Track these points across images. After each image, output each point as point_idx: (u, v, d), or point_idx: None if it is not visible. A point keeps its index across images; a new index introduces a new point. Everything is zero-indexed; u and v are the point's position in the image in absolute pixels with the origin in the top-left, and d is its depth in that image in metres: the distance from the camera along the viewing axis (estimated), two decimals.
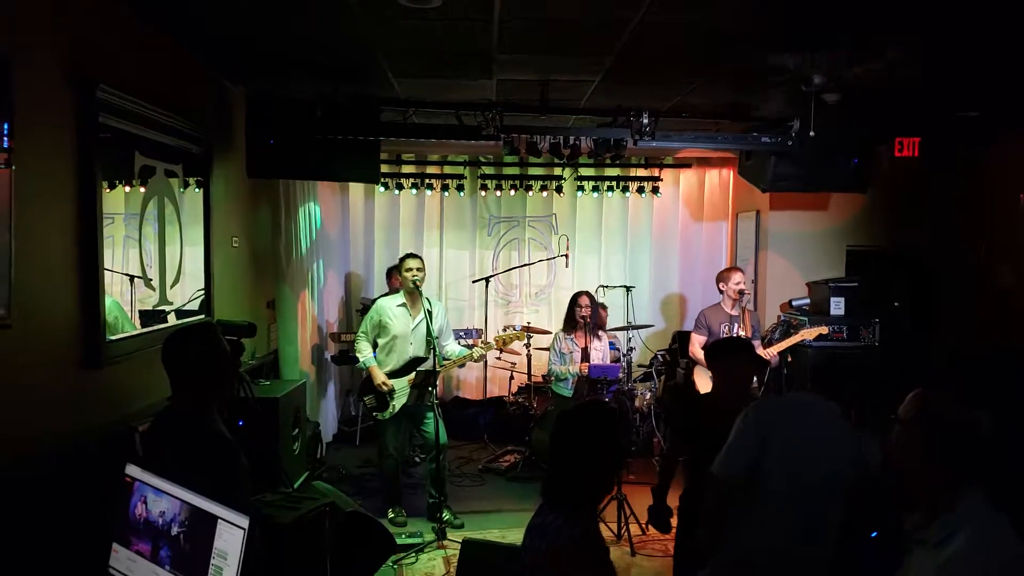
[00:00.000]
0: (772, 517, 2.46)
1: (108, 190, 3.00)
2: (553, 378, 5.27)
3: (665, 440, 4.73)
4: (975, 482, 1.63)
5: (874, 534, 4.23)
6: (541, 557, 1.95)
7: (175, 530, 1.76)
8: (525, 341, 6.15)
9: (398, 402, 4.73)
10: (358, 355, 4.84)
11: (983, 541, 1.57)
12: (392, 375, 4.75)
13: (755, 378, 5.15)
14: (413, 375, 4.74)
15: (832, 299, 5.78)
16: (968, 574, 1.55)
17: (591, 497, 2.05)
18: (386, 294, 5.77)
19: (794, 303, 6.08)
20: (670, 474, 3.38)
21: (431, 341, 4.67)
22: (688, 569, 3.07)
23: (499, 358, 6.81)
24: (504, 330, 5.13)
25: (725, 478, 2.54)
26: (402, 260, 4.89)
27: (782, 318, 6.00)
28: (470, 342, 5.48)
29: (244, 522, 1.62)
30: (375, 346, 4.90)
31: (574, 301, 5.34)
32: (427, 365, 4.71)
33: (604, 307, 6.73)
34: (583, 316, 5.22)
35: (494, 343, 5.08)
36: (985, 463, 1.63)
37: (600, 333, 5.43)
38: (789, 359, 5.55)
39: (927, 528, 1.64)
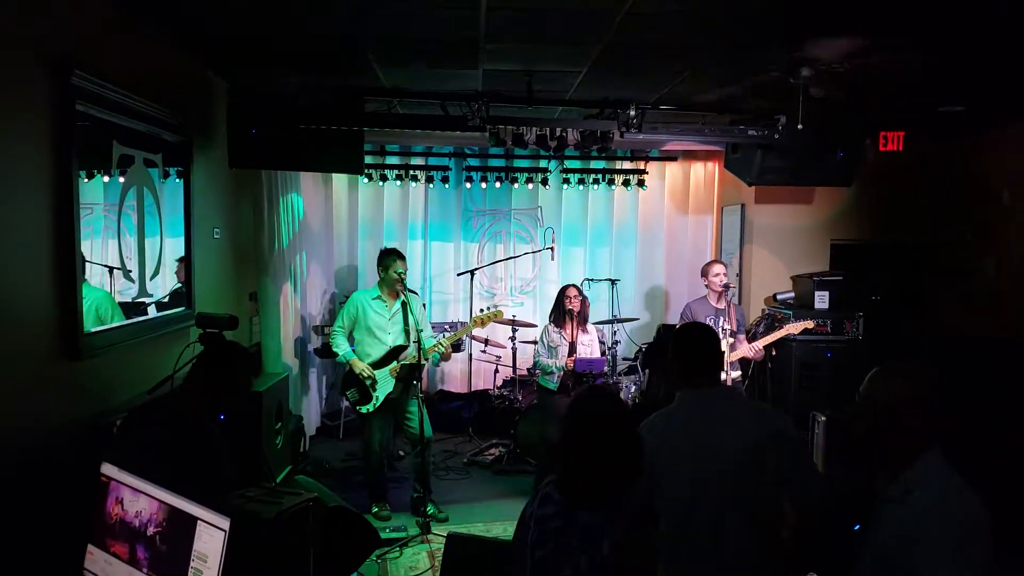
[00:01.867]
0: (685, 522, 2.32)
1: (86, 179, 2.93)
2: (539, 371, 5.25)
3: None
4: (930, 443, 1.78)
5: (857, 527, 4.27)
6: (596, 563, 1.77)
7: (153, 531, 1.72)
8: (508, 320, 6.13)
9: (381, 392, 4.70)
10: (336, 350, 4.80)
11: (942, 498, 1.71)
12: (373, 366, 4.71)
13: (740, 374, 5.19)
14: (395, 365, 4.70)
15: (816, 293, 5.82)
16: (931, 527, 1.68)
17: (623, 487, 1.87)
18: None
19: (778, 297, 6.10)
20: None
21: (410, 331, 4.64)
22: None
23: (484, 351, 6.78)
24: (483, 311, 5.06)
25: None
26: (390, 259, 4.80)
27: (767, 312, 6.02)
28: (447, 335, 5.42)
29: (225, 523, 1.58)
30: (352, 340, 4.85)
31: (562, 294, 5.32)
32: (411, 357, 4.67)
33: (587, 300, 6.72)
34: (571, 309, 5.20)
35: (472, 323, 5.02)
36: (934, 424, 1.78)
37: (588, 326, 5.41)
38: (774, 353, 5.58)
39: (889, 486, 1.80)
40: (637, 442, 1.88)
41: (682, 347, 2.52)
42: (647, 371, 6.55)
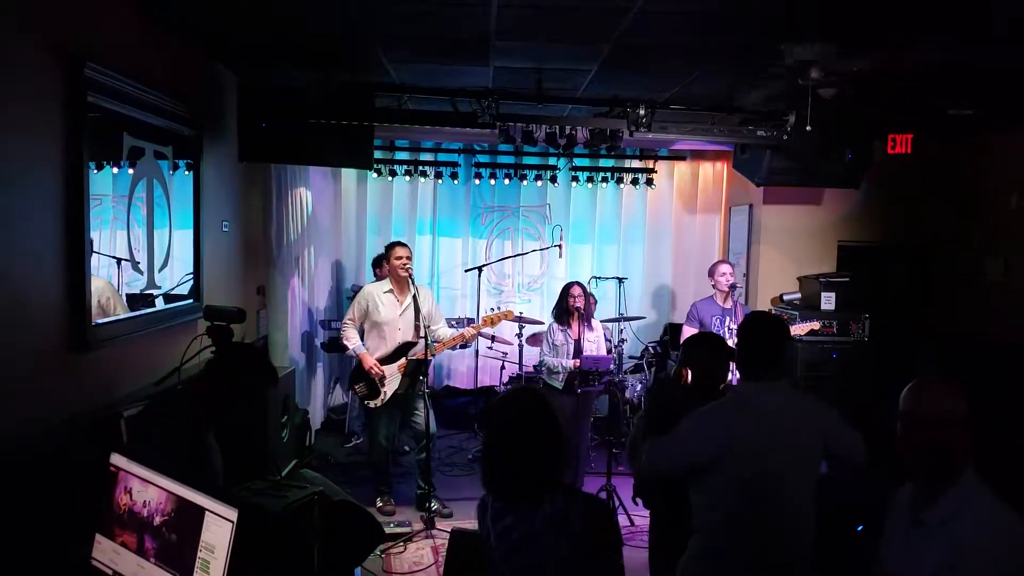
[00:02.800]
0: (737, 510, 2.35)
1: (96, 171, 2.95)
2: (545, 370, 5.25)
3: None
4: (968, 463, 1.72)
5: (860, 528, 4.26)
6: (572, 544, 1.82)
7: (161, 521, 1.73)
8: (515, 317, 6.14)
9: (389, 388, 4.71)
10: (346, 343, 4.80)
11: (986, 526, 1.65)
12: (382, 361, 4.72)
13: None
14: (404, 361, 4.71)
15: (823, 294, 5.80)
16: (979, 557, 1.62)
17: (558, 471, 1.95)
18: (375, 281, 5.73)
19: (785, 297, 6.09)
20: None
21: (420, 327, 4.65)
22: (664, 560, 3.05)
23: (491, 347, 6.79)
24: (493, 310, 5.07)
25: (653, 472, 2.48)
26: (390, 248, 4.84)
27: (773, 312, 6.01)
28: (461, 331, 5.44)
29: (232, 515, 1.60)
30: (362, 334, 4.86)
31: (566, 291, 5.31)
32: (418, 352, 4.68)
33: (594, 301, 6.71)
34: (576, 307, 5.20)
35: (482, 323, 5.04)
36: (971, 445, 1.72)
37: (594, 323, 5.40)
38: None
39: (928, 509, 1.73)
40: (556, 423, 1.96)
41: (748, 340, 2.55)
42: (653, 370, 6.54)
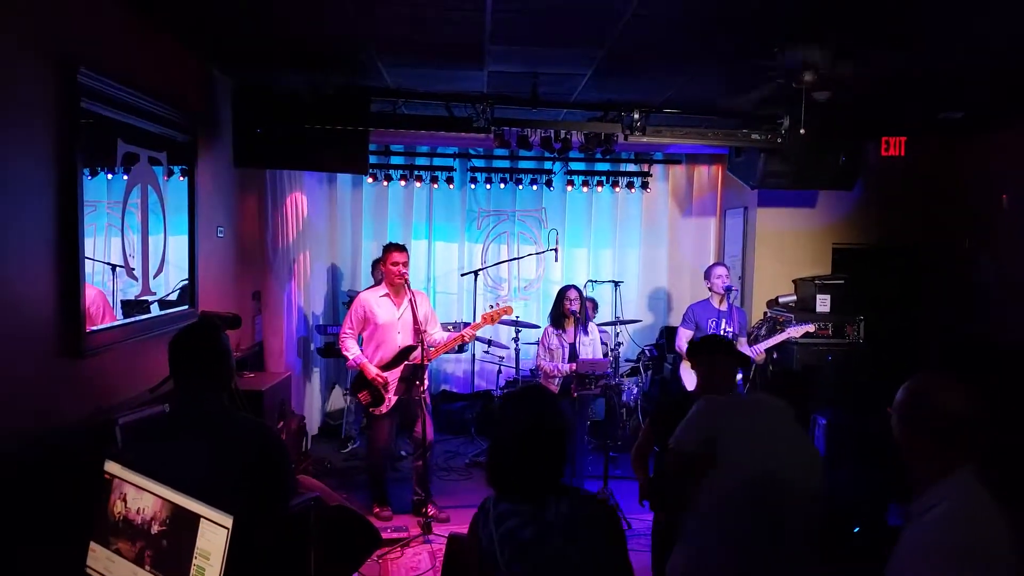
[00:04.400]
0: (734, 508, 2.38)
1: (89, 177, 2.94)
2: (541, 374, 5.24)
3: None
4: (963, 461, 1.69)
5: (856, 529, 4.26)
6: (581, 548, 1.81)
7: (156, 529, 1.72)
8: (512, 321, 6.14)
9: (393, 394, 4.68)
10: (346, 354, 4.72)
11: (959, 509, 1.64)
12: (383, 367, 4.69)
13: (741, 376, 5.18)
14: (403, 367, 4.70)
15: (818, 296, 5.81)
16: (941, 536, 1.63)
17: (564, 471, 1.97)
18: (371, 287, 5.71)
19: (780, 299, 6.10)
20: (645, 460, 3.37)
21: (418, 330, 4.62)
22: (663, 559, 3.05)
23: (487, 351, 6.78)
24: (492, 307, 5.03)
25: (680, 451, 2.51)
26: (386, 252, 4.74)
27: (768, 315, 6.02)
28: (460, 332, 5.42)
29: (227, 521, 1.59)
30: (360, 341, 4.84)
31: (561, 295, 5.31)
32: (415, 357, 4.66)
33: (594, 304, 6.72)
34: (572, 310, 5.20)
35: (482, 320, 4.97)
36: (964, 440, 1.70)
37: (589, 328, 5.40)
38: (775, 355, 5.58)
39: (916, 503, 1.74)
40: (564, 422, 1.97)
41: None
42: (650, 373, 6.54)
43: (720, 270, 5.23)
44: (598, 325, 6.43)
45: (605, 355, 5.88)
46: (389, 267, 4.68)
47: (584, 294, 5.48)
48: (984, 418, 1.71)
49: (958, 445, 1.69)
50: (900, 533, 1.79)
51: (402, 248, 4.73)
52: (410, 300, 4.69)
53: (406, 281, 4.67)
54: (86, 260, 2.86)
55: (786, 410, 2.61)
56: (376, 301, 4.73)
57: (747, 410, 2.62)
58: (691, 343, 3.35)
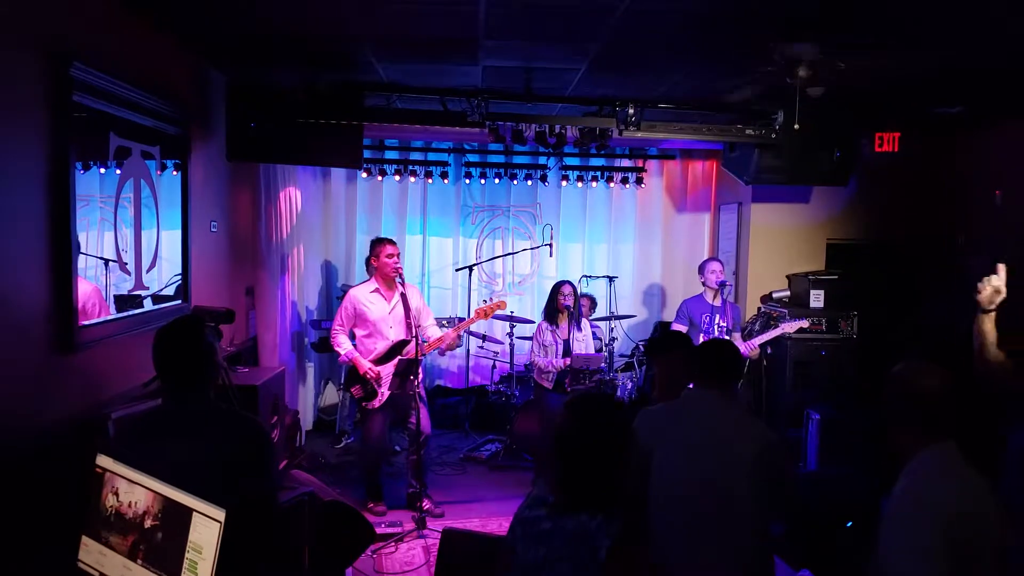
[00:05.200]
0: (669, 519, 2.36)
1: (82, 171, 2.93)
2: (535, 370, 5.24)
3: None
4: (939, 439, 1.79)
5: (849, 524, 4.29)
6: (597, 565, 1.76)
7: (148, 523, 1.72)
8: (507, 316, 6.15)
9: (386, 388, 4.69)
10: (338, 349, 4.74)
11: (933, 472, 1.74)
12: (377, 362, 4.69)
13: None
14: (396, 361, 4.70)
15: (812, 291, 5.84)
16: (903, 501, 1.72)
17: (616, 488, 1.89)
18: (364, 282, 5.71)
19: (774, 295, 6.12)
20: None
21: (411, 324, 4.62)
22: None
23: (482, 347, 6.79)
24: (485, 302, 5.04)
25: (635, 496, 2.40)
26: (378, 245, 4.74)
27: (762, 310, 6.04)
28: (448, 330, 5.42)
29: (220, 515, 1.59)
30: (353, 337, 4.84)
31: (556, 290, 5.31)
32: (408, 352, 4.66)
33: (593, 301, 6.72)
34: (566, 305, 5.20)
35: (475, 315, 4.98)
36: (944, 419, 1.79)
37: (582, 323, 5.41)
38: (769, 351, 5.59)
39: (898, 481, 1.82)
40: (631, 444, 1.90)
41: (702, 351, 2.67)
42: (643, 368, 6.56)
43: (714, 265, 5.24)
44: (593, 320, 6.46)
45: (599, 350, 5.89)
46: (384, 260, 4.68)
47: (578, 290, 5.48)
48: (958, 398, 1.81)
49: (935, 423, 1.79)
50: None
51: (392, 241, 4.77)
52: (402, 294, 4.69)
53: (400, 274, 4.68)
54: (79, 255, 2.85)
55: (723, 406, 2.54)
56: (367, 297, 4.74)
57: (679, 418, 2.53)
58: (650, 341, 3.33)
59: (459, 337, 5.05)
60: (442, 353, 6.78)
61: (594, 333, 6.36)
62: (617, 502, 1.85)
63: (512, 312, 6.57)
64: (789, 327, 5.28)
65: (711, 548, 2.32)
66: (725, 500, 2.32)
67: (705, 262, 5.36)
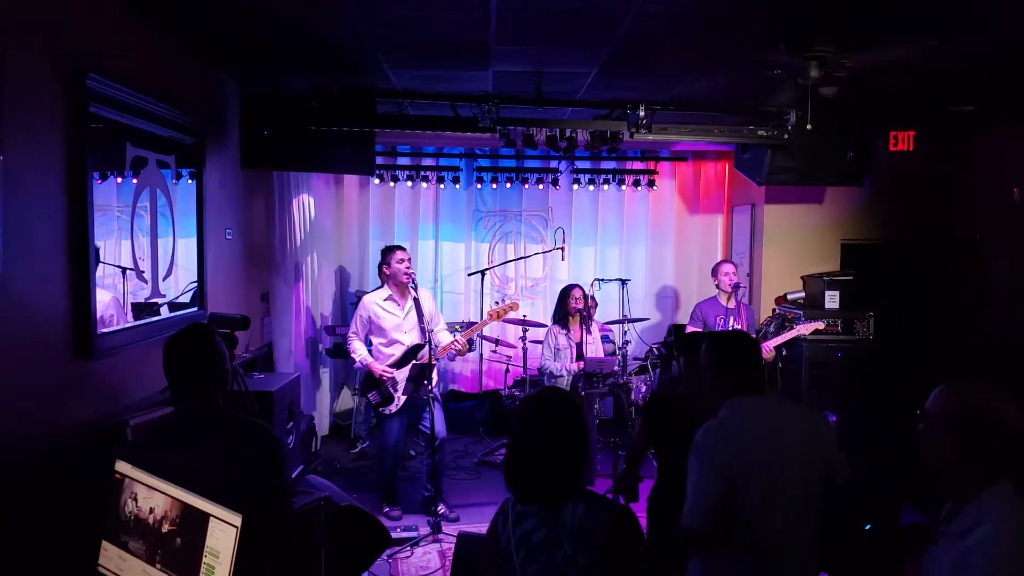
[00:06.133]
0: (754, 533, 2.28)
1: (99, 181, 2.97)
2: (547, 374, 5.23)
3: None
4: (1005, 475, 1.62)
5: (868, 527, 4.25)
6: (592, 554, 1.78)
7: (166, 528, 1.74)
8: (519, 320, 6.16)
9: (402, 392, 4.71)
10: (353, 355, 4.79)
11: (1003, 530, 1.55)
12: (393, 366, 4.71)
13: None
14: (411, 365, 4.72)
15: (827, 292, 5.79)
16: (985, 560, 1.54)
17: (583, 476, 1.93)
18: (377, 288, 5.73)
19: (789, 296, 6.09)
20: (638, 461, 3.32)
21: (425, 328, 4.64)
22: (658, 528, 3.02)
23: (495, 351, 6.79)
24: (497, 303, 5.06)
25: (698, 527, 2.25)
26: (390, 252, 4.80)
27: (777, 311, 6.00)
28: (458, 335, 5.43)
29: (237, 520, 1.60)
30: (369, 343, 4.86)
31: (567, 294, 5.30)
32: (422, 357, 4.68)
33: (594, 301, 6.72)
34: (578, 309, 5.19)
35: (488, 317, 5.01)
36: (1015, 456, 1.61)
37: (592, 326, 5.40)
38: (784, 352, 5.56)
39: (952, 520, 1.65)
40: (585, 428, 1.95)
41: (727, 356, 2.48)
42: (657, 371, 6.54)
43: (727, 267, 5.22)
44: (605, 323, 6.44)
45: (612, 353, 5.88)
46: (396, 267, 4.71)
47: (587, 293, 5.47)
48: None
49: (1005, 461, 1.62)
50: (935, 544, 1.71)
51: (403, 248, 4.84)
52: (415, 299, 4.72)
53: (412, 279, 4.71)
54: (97, 263, 2.89)
55: (792, 408, 2.53)
56: (381, 303, 4.77)
57: (758, 437, 2.36)
58: (683, 337, 3.31)
59: (470, 342, 5.07)
60: (452, 359, 6.80)
61: (607, 336, 6.35)
62: (584, 484, 1.89)
63: (525, 316, 6.57)
64: (804, 329, 5.25)
65: (796, 556, 2.30)
66: (811, 506, 2.31)
67: (718, 264, 5.34)
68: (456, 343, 4.80)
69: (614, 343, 6.38)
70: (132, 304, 3.32)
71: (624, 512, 1.95)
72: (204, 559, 1.64)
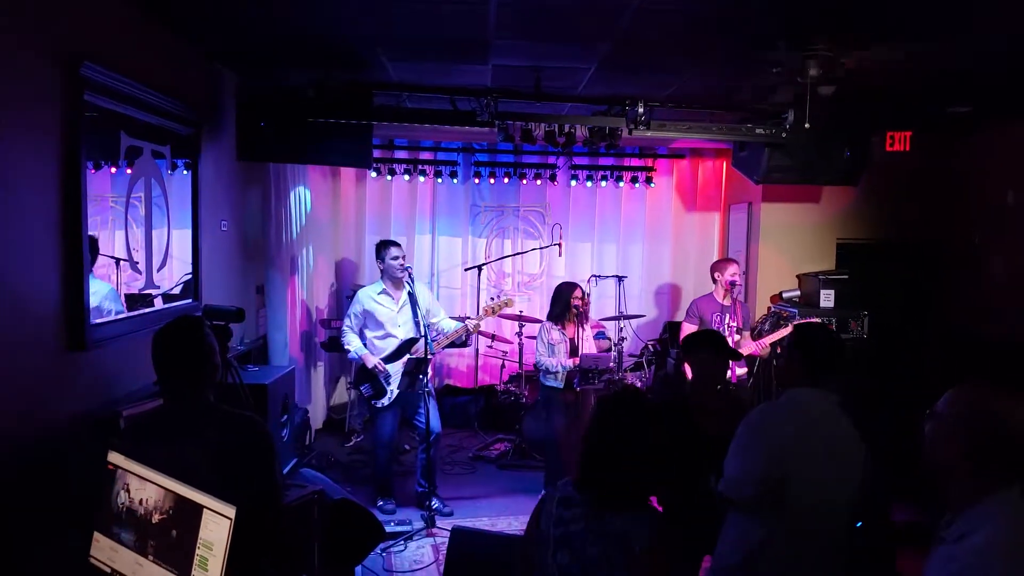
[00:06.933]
0: (794, 528, 2.32)
1: (93, 171, 2.95)
2: (542, 370, 5.22)
3: None
4: (1011, 482, 1.59)
5: (859, 524, 4.26)
6: (628, 561, 1.77)
7: (159, 519, 1.73)
8: (516, 316, 6.15)
9: (395, 386, 4.71)
10: (347, 347, 4.79)
11: (1001, 536, 1.53)
12: (387, 360, 4.72)
13: (746, 371, 5.18)
14: (406, 359, 4.72)
15: (822, 291, 5.80)
16: (982, 565, 1.53)
17: (651, 491, 1.91)
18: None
19: (784, 295, 6.09)
20: None
21: (420, 323, 4.65)
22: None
23: (491, 346, 6.78)
24: (492, 299, 5.08)
25: (736, 499, 2.34)
26: (384, 248, 4.81)
27: (772, 310, 6.01)
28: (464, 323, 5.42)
29: (230, 512, 1.59)
30: (364, 337, 4.86)
31: (568, 293, 5.28)
32: (418, 351, 4.67)
33: (588, 298, 6.71)
34: (584, 310, 5.21)
35: (484, 313, 5.05)
36: (1021, 462, 1.58)
37: (585, 324, 5.40)
38: (779, 350, 5.56)
39: (950, 526, 1.63)
40: (667, 444, 1.88)
41: (808, 345, 2.58)
42: (653, 368, 6.54)
43: (733, 267, 5.21)
44: (601, 319, 6.44)
45: (608, 349, 5.88)
46: (389, 262, 4.73)
47: (585, 291, 5.47)
48: None
49: (1013, 468, 1.58)
50: (934, 550, 1.69)
51: (396, 243, 4.87)
52: (410, 293, 4.72)
53: (408, 272, 4.71)
54: (91, 253, 2.87)
55: (835, 403, 2.55)
56: (374, 297, 4.78)
57: (814, 439, 2.41)
58: (686, 339, 3.33)
59: (466, 335, 5.11)
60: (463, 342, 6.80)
61: (603, 333, 6.35)
62: (647, 501, 1.85)
63: (521, 311, 6.57)
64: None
65: (829, 539, 2.36)
66: (846, 496, 2.37)
67: (723, 263, 5.31)
68: (461, 332, 4.84)
69: (610, 339, 6.38)
70: (126, 295, 3.30)
71: (664, 524, 1.91)
72: (197, 551, 1.63)
